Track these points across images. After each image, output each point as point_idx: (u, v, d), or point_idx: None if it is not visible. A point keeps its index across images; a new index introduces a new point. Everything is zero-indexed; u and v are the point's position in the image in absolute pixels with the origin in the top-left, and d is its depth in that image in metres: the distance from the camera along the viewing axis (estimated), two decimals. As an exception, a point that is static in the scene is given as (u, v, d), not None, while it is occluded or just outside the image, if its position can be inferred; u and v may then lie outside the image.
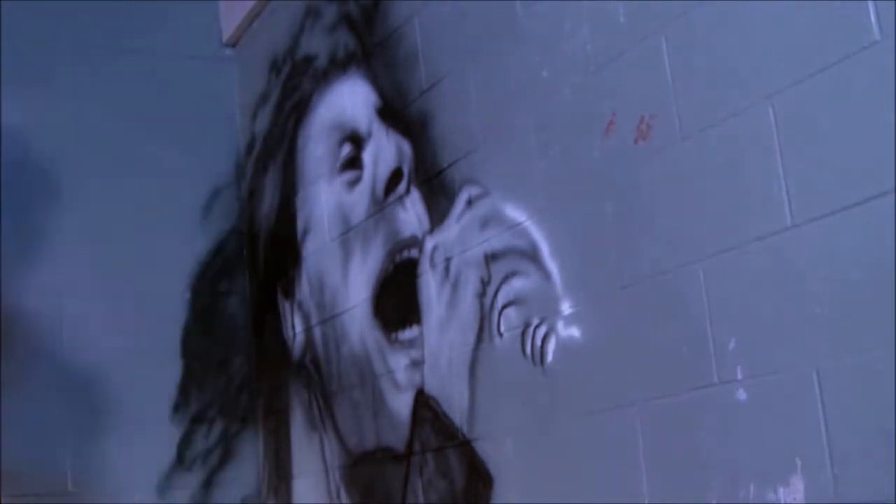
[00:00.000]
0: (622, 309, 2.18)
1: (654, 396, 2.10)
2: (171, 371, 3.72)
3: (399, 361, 2.95)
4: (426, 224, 2.83)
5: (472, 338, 2.63)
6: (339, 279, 3.27)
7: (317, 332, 3.41)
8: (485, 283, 2.58)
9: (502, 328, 2.52)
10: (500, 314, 2.53)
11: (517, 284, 2.48)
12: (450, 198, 2.72)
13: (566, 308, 2.33)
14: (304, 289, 3.49)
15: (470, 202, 2.65)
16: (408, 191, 2.92)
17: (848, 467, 1.72)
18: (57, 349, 3.53)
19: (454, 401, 2.71)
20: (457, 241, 2.69)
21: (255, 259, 3.87)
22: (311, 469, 3.46)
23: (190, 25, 4.01)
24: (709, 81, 1.98)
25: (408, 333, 2.92)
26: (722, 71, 1.96)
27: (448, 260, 2.73)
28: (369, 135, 3.11)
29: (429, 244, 2.81)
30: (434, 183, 2.79)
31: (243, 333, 3.90)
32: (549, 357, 2.38)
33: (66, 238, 3.56)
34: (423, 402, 2.84)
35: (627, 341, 2.17)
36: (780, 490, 1.83)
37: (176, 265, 3.76)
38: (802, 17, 1.80)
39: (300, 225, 3.51)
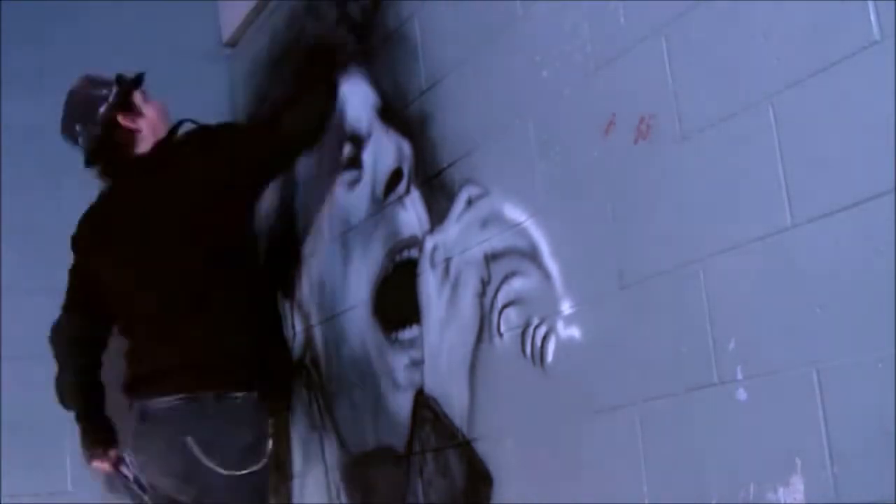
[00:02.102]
0: (622, 309, 2.18)
1: (654, 396, 2.10)
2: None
3: (399, 361, 2.95)
4: (426, 224, 2.83)
5: (472, 338, 2.63)
6: (339, 279, 3.27)
7: (317, 332, 3.41)
8: (485, 283, 2.58)
9: (502, 328, 2.52)
10: (500, 314, 2.53)
11: (517, 284, 2.48)
12: (450, 198, 2.72)
13: (566, 308, 2.33)
14: (304, 289, 3.49)
15: (470, 202, 2.65)
16: (408, 191, 2.92)
17: (848, 467, 1.72)
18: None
19: (454, 401, 2.71)
20: (457, 241, 2.69)
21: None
22: (311, 469, 3.46)
23: (190, 25, 4.01)
24: (709, 81, 1.98)
25: (408, 333, 2.91)
26: (722, 71, 1.96)
27: (448, 260, 2.73)
28: (369, 135, 3.11)
29: (429, 244, 2.81)
30: (434, 183, 2.79)
31: (243, 333, 3.90)
32: (549, 357, 2.38)
33: (66, 237, 3.56)
34: (423, 402, 2.84)
35: (627, 341, 2.17)
36: (780, 490, 1.83)
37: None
38: (802, 17, 1.80)
39: (300, 225, 3.51)
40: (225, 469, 2.63)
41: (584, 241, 2.29)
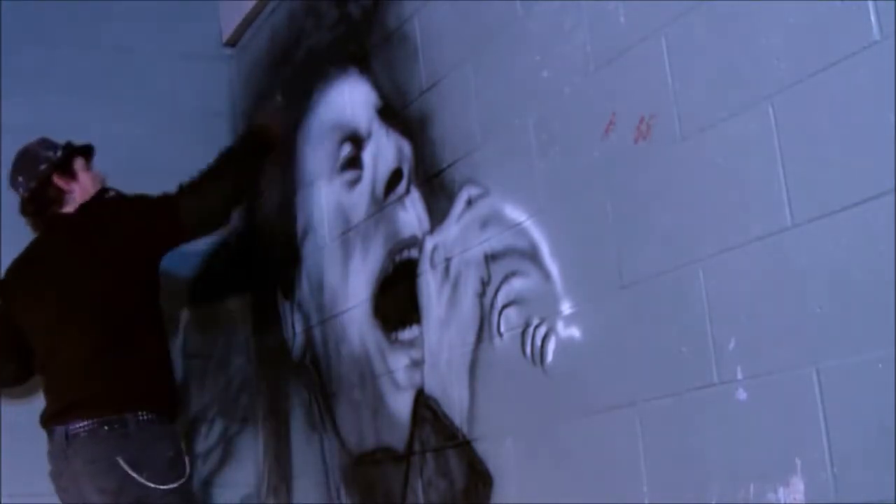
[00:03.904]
0: (622, 309, 2.18)
1: (654, 396, 2.10)
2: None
3: (399, 361, 2.95)
4: (426, 224, 2.83)
5: (472, 338, 2.63)
6: (338, 279, 3.27)
7: (317, 332, 3.41)
8: (485, 283, 2.58)
9: (502, 328, 2.52)
10: (500, 314, 2.53)
11: (517, 284, 2.48)
12: (450, 198, 2.72)
13: (566, 308, 2.33)
14: (304, 289, 3.49)
15: (470, 202, 2.65)
16: (408, 191, 2.92)
17: (848, 467, 1.72)
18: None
19: (454, 401, 2.71)
20: (457, 241, 2.69)
21: (255, 259, 3.87)
22: (311, 469, 3.46)
23: (190, 25, 4.01)
24: (709, 81, 1.99)
25: (408, 333, 2.91)
26: (722, 71, 1.96)
27: (448, 260, 2.73)
28: (369, 135, 3.11)
29: (429, 244, 2.81)
30: (434, 183, 2.79)
31: (243, 333, 3.91)
32: (549, 357, 2.38)
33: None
34: (423, 402, 2.84)
35: (627, 341, 2.17)
36: (780, 490, 1.83)
37: (176, 265, 3.76)
38: (802, 17, 1.80)
39: (300, 225, 3.51)
40: (153, 483, 2.89)
41: (584, 241, 2.29)
